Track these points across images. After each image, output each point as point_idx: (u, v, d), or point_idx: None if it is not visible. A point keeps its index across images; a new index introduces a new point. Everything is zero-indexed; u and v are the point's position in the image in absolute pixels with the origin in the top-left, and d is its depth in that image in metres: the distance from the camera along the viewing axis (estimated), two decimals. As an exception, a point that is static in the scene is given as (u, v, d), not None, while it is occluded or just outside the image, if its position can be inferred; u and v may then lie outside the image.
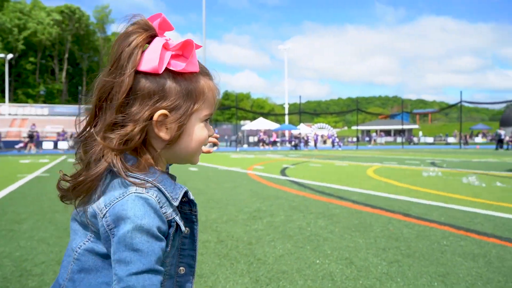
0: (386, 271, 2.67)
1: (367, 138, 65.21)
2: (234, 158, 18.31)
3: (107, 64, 0.79)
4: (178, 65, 0.79)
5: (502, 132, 32.14)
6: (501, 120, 56.69)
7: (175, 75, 0.79)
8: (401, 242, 3.38)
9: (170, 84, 0.79)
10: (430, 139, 61.76)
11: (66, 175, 0.81)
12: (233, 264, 2.83)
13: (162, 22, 0.80)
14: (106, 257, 0.76)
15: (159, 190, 0.77)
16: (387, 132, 78.69)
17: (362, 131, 77.78)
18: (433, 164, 13.82)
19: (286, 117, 55.45)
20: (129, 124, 0.76)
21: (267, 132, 41.59)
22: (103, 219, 0.73)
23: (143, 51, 0.78)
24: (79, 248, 0.78)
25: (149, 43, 0.79)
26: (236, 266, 2.79)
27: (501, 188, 6.88)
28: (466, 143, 41.37)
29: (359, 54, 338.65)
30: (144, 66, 0.77)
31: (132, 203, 0.72)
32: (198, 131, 0.84)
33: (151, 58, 0.77)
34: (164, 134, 0.79)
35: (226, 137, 46.17)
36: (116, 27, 0.80)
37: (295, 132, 42.70)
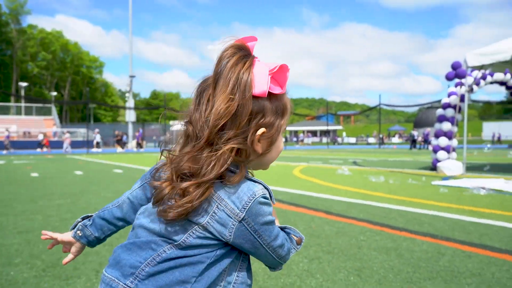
0: (307, 268, 2.74)
1: (295, 139, 67.16)
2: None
3: (221, 87, 0.85)
4: (276, 89, 0.89)
5: (415, 133, 34.85)
6: (414, 122, 61.46)
7: (270, 95, 0.89)
8: (322, 239, 3.50)
9: (267, 104, 0.89)
10: (352, 139, 65.16)
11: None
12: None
13: (255, 45, 0.92)
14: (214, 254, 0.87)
15: (268, 190, 0.90)
16: (314, 133, 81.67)
17: (291, 131, 79.98)
18: (354, 163, 14.59)
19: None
20: (240, 139, 0.86)
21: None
22: (243, 222, 0.84)
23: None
24: (184, 239, 0.85)
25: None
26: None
27: (413, 185, 7.44)
28: (382, 143, 44.45)
29: (287, 56, 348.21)
30: (255, 90, 0.86)
31: (263, 205, 0.86)
32: (280, 143, 0.96)
33: (260, 83, 0.86)
34: (259, 148, 0.89)
35: (154, 138, 44.97)
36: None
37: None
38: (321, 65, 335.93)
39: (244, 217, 0.84)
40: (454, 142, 10.40)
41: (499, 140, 47.57)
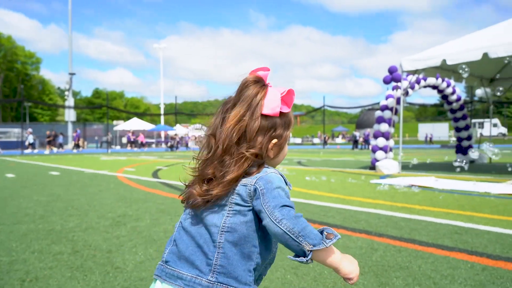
0: (245, 268, 2.75)
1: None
2: (104, 160, 17.21)
3: (239, 105, 1.09)
4: (285, 108, 1.13)
5: (357, 133, 36.26)
6: (357, 123, 63.88)
7: (280, 113, 1.12)
8: (262, 238, 3.53)
9: (278, 120, 1.12)
10: (298, 140, 66.51)
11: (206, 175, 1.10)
12: (87, 276, 2.62)
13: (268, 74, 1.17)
14: (253, 223, 1.05)
15: (282, 177, 1.10)
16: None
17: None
18: (299, 163, 14.90)
19: (162, 118, 54.28)
20: (257, 147, 1.08)
21: (136, 133, 40.05)
22: (256, 184, 1.04)
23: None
24: (224, 223, 1.04)
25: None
26: (89, 277, 2.59)
27: (353, 183, 7.72)
28: (325, 143, 46.03)
29: (234, 57, 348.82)
30: (267, 111, 1.09)
31: (274, 176, 1.06)
32: (286, 148, 1.18)
33: (273, 106, 1.10)
34: (271, 153, 1.13)
35: (96, 138, 43.21)
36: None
37: (171, 132, 41.99)
38: (269, 67, 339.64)
39: (256, 181, 1.05)
40: (391, 143, 10.93)
41: (430, 141, 50.85)
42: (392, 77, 10.38)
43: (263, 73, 1.15)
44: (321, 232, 1.06)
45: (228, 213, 1.04)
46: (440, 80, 11.68)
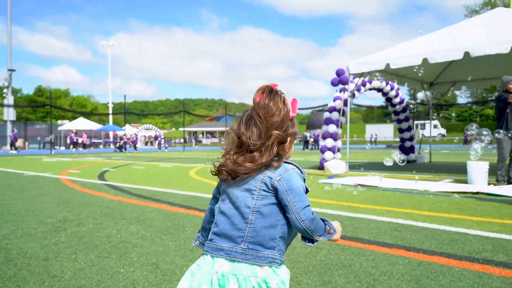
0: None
1: (193, 140, 66.66)
2: (46, 162, 16.36)
3: (270, 112, 1.33)
4: (292, 114, 1.39)
5: (307, 134, 37.02)
6: (307, 124, 65.13)
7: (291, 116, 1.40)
8: (209, 241, 3.50)
9: (289, 123, 1.38)
10: (250, 140, 66.75)
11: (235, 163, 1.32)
12: (20, 286, 2.47)
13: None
14: (276, 205, 1.31)
15: (299, 169, 1.38)
16: (213, 134, 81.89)
17: (190, 132, 79.28)
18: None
19: (110, 117, 52.52)
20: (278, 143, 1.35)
21: (79, 133, 38.48)
22: (279, 182, 1.29)
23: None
24: (254, 205, 1.30)
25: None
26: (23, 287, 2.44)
27: (302, 183, 7.85)
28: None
29: (186, 56, 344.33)
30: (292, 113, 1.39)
31: (294, 174, 1.32)
32: (293, 145, 1.45)
33: (294, 108, 1.40)
34: (287, 148, 1.39)
35: (39, 138, 41.01)
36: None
37: (120, 133, 40.72)
38: (220, 67, 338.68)
39: (280, 179, 1.30)
40: (339, 143, 11.25)
41: (375, 141, 53.19)
42: (340, 79, 10.69)
43: (276, 87, 1.42)
44: (323, 221, 1.38)
45: (257, 197, 1.31)
46: (384, 83, 12.18)
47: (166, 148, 38.20)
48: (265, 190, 1.31)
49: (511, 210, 4.79)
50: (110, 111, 53.89)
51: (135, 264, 2.88)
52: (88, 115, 58.57)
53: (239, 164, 1.31)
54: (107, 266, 2.83)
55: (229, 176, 1.34)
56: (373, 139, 53.37)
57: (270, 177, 1.31)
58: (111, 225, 4.17)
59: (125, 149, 32.15)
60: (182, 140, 55.59)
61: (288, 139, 1.38)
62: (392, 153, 7.41)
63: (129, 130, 55.29)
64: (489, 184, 7.13)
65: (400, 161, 7.42)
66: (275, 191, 1.30)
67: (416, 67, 8.70)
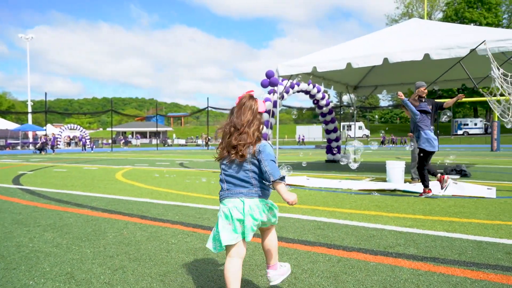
0: (108, 280, 2.58)
1: (123, 140, 64.21)
2: (-48, 165, 14.78)
3: (244, 111, 2.21)
4: (261, 109, 2.27)
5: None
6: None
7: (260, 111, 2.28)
8: (131, 246, 3.36)
9: (259, 115, 2.26)
10: (182, 141, 65.78)
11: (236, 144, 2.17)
12: None
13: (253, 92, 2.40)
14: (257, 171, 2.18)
15: (270, 144, 2.22)
16: (143, 134, 79.53)
17: (118, 132, 76.20)
18: (181, 164, 14.71)
19: (30, 116, 48.90)
20: (257, 128, 2.22)
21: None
22: (258, 148, 2.14)
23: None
24: (249, 170, 2.16)
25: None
26: None
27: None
28: (207, 144, 47.29)
29: (114, 53, 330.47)
30: (260, 110, 2.26)
31: (267, 143, 2.18)
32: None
33: (261, 107, 2.26)
34: (259, 133, 2.21)
35: None
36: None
37: (40, 133, 38.04)
38: (151, 66, 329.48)
39: (259, 146, 2.14)
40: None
41: (303, 141, 55.17)
42: (270, 81, 10.87)
43: (252, 93, 2.33)
44: (283, 177, 2.15)
45: (251, 164, 2.16)
46: (311, 86, 12.60)
47: (91, 149, 36.18)
48: (253, 159, 2.16)
49: (422, 206, 5.17)
50: (30, 109, 50.18)
51: (47, 275, 2.68)
52: (4, 113, 54.14)
53: (238, 142, 2.16)
54: (14, 279, 2.60)
55: (227, 153, 2.19)
56: (300, 140, 55.30)
57: (254, 151, 2.16)
58: (23, 233, 3.86)
59: (46, 151, 30.10)
60: (110, 141, 53.24)
61: (261, 126, 2.26)
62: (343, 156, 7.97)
63: (51, 130, 51.81)
64: (405, 182, 7.65)
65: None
66: (259, 154, 2.14)
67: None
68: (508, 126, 7.15)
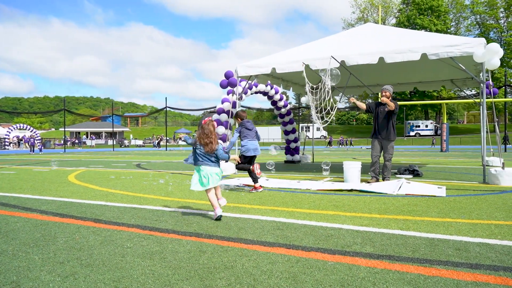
0: (58, 287, 2.44)
1: (76, 141, 61.84)
2: None
3: (210, 129, 4.62)
4: (216, 126, 6.75)
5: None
6: (199, 124, 64.84)
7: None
8: (84, 251, 3.21)
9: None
10: (140, 142, 64.27)
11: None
12: None
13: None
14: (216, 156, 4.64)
15: (222, 145, 5.17)
16: (98, 134, 77.06)
17: (72, 133, 73.39)
18: (138, 165, 14.34)
19: (-26, 115, 46.11)
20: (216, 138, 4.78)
21: None
22: (218, 147, 4.59)
23: None
24: (215, 156, 4.59)
25: None
26: None
27: (189, 185, 7.74)
28: (158, 144, 47.39)
29: (67, 51, 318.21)
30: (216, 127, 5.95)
31: (220, 146, 4.68)
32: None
33: (216, 127, 8.46)
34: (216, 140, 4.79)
35: None
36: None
37: (-14, 133, 35.98)
38: (106, 64, 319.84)
39: (218, 146, 4.58)
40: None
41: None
42: (229, 81, 10.82)
43: (209, 117, 4.67)
44: (229, 157, 4.70)
45: (215, 154, 4.53)
46: (269, 87, 12.67)
47: (40, 150, 34.25)
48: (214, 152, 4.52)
49: (378, 205, 5.32)
50: (-26, 108, 47.26)
51: (-10, 284, 2.50)
52: None
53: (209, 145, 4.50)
54: (-49, 290, 2.41)
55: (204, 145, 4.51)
56: None
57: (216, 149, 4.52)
58: (-36, 240, 3.59)
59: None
60: (62, 142, 51.14)
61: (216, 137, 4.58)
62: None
63: (-2, 130, 49.13)
64: (362, 181, 7.84)
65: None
66: (216, 151, 4.52)
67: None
68: (318, 126, 9.02)
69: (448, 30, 66.78)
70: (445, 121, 30.24)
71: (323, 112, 8.55)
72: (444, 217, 4.50)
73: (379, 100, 8.21)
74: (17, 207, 5.32)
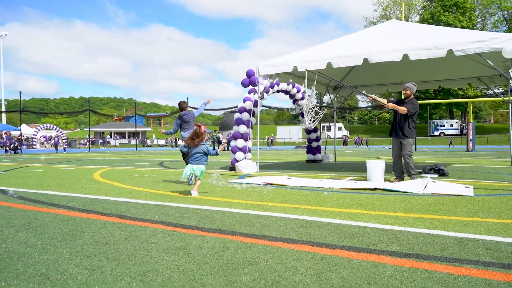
0: (86, 280, 2.48)
1: (101, 140, 63.07)
2: None
3: (201, 132, 6.22)
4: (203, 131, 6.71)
5: (220, 135, 37.09)
6: (220, 125, 65.26)
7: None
8: (110, 246, 3.26)
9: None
10: (162, 141, 65.07)
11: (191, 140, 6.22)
12: None
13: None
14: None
15: (207, 144, 7.56)
16: (122, 134, 78.37)
17: (96, 132, 74.89)
18: (161, 164, 14.51)
19: (3, 116, 47.62)
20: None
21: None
22: (204, 145, 6.22)
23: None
24: (201, 153, 6.23)
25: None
26: None
27: (212, 184, 7.79)
28: (176, 144, 48.09)
29: (90, 52, 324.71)
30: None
31: (206, 144, 6.31)
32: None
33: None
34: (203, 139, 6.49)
35: None
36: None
37: (15, 133, 37.06)
38: (128, 65, 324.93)
39: (203, 143, 6.20)
40: (250, 143, 11.39)
41: (272, 142, 55.91)
42: (250, 80, 10.82)
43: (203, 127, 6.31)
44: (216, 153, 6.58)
45: (202, 149, 6.13)
46: (291, 86, 12.62)
47: (64, 150, 34.67)
48: (202, 149, 6.13)
49: (403, 204, 5.21)
50: (3, 108, 48.83)
51: (20, 276, 2.56)
52: (-25, 113, 52.37)
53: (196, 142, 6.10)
54: (-16, 281, 2.47)
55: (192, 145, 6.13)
56: (269, 140, 56.03)
57: (203, 145, 6.12)
58: (-5, 234, 3.70)
59: (21, 151, 29.30)
60: (86, 141, 52.21)
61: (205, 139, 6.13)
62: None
63: (26, 130, 50.50)
64: (385, 181, 7.72)
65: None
66: (203, 149, 6.14)
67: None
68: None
69: (474, 27, 65.11)
70: (471, 120, 29.50)
71: (311, 113, 9.46)
72: (472, 216, 4.37)
73: (402, 97, 8.08)
74: (45, 203, 5.45)
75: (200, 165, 6.12)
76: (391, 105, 7.86)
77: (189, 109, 8.27)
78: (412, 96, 7.87)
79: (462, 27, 60.16)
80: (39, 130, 49.19)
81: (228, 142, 36.17)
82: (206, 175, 9.72)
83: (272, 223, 4.10)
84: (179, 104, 8.10)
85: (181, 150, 6.73)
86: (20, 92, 32.42)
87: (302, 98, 13.77)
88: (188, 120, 7.86)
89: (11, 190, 6.74)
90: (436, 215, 4.47)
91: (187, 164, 7.60)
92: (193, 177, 6.11)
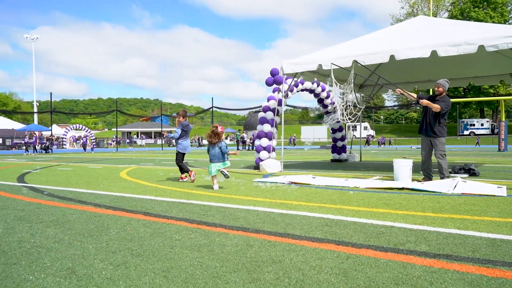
0: (110, 275, 2.50)
1: (127, 140, 64.29)
2: (-43, 164, 14.81)
3: (219, 132, 6.93)
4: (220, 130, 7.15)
5: (244, 135, 37.15)
6: (244, 125, 65.42)
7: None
8: (134, 242, 3.28)
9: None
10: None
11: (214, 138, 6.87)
12: None
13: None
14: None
15: (224, 142, 7.09)
16: (148, 134, 79.69)
17: (123, 132, 76.40)
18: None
19: (35, 116, 49.17)
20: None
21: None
22: (221, 143, 6.85)
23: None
24: (221, 148, 6.87)
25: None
26: None
27: (236, 182, 7.78)
28: (199, 144, 48.51)
29: (117, 54, 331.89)
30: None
31: (224, 142, 6.95)
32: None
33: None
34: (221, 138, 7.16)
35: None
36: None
37: (46, 133, 38.17)
38: (155, 66, 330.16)
39: (221, 143, 6.86)
40: (274, 143, 11.34)
41: (294, 142, 55.52)
42: (274, 79, 10.77)
43: (219, 127, 6.97)
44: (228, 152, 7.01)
45: (220, 147, 6.78)
46: (315, 84, 12.49)
47: (92, 149, 35.28)
48: (220, 147, 6.78)
49: (432, 204, 5.06)
50: (35, 109, 50.40)
51: (47, 270, 2.60)
52: (10, 113, 54.43)
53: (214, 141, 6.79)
54: (13, 274, 2.53)
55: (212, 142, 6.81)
56: (292, 140, 55.76)
57: (220, 143, 6.79)
58: (25, 229, 3.79)
59: (52, 150, 30.18)
60: (114, 141, 53.31)
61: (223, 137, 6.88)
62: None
63: (56, 130, 51.96)
64: (413, 180, 7.52)
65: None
66: (219, 146, 6.78)
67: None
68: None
69: (506, 23, 62.92)
70: (503, 119, 28.50)
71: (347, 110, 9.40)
72: (506, 217, 4.20)
73: (431, 93, 7.84)
74: (73, 200, 5.57)
75: (220, 163, 6.83)
76: (425, 101, 7.54)
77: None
78: (444, 93, 7.62)
79: (494, 23, 58.25)
80: (69, 130, 50.53)
81: (253, 142, 36.26)
82: (231, 174, 9.74)
83: (296, 221, 4.05)
84: (184, 113, 8.28)
85: (178, 152, 7.95)
86: (51, 94, 33.40)
87: (328, 97, 13.63)
88: (187, 130, 8.21)
89: (45, 192, 6.93)
90: (467, 215, 4.31)
91: (180, 168, 8.24)
92: (216, 171, 6.81)
